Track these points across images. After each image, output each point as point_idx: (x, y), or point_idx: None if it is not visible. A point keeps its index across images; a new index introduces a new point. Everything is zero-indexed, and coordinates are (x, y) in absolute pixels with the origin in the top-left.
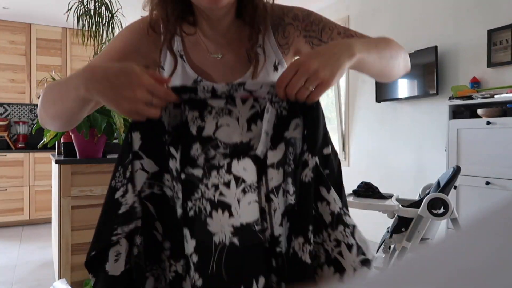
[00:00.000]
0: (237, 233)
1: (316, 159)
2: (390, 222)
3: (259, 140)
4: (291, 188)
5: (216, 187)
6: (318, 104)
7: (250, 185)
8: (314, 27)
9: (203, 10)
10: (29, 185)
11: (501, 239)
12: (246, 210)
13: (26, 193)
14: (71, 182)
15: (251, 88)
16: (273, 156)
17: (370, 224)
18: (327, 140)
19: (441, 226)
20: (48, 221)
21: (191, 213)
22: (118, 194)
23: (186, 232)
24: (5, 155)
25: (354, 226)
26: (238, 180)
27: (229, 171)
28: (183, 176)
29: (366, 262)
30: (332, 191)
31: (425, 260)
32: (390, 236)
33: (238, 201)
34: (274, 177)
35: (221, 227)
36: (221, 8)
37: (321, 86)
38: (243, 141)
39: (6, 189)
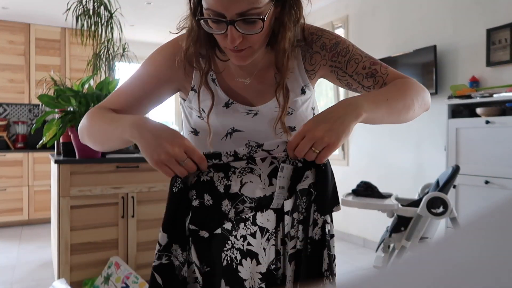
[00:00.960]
0: (264, 279)
1: (325, 217)
2: (389, 221)
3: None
4: (301, 235)
5: (244, 237)
6: (325, 165)
7: (272, 232)
8: (341, 58)
9: None
10: (28, 185)
11: (500, 238)
12: (269, 255)
13: (25, 193)
14: (70, 182)
15: (268, 148)
16: (289, 204)
17: (369, 223)
18: (336, 198)
19: (441, 225)
20: (47, 221)
21: (224, 263)
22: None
23: (222, 282)
24: (4, 155)
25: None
26: (263, 230)
27: (254, 223)
28: (218, 231)
29: None
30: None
31: (424, 259)
32: (390, 235)
33: (264, 250)
34: (288, 223)
35: (250, 274)
36: (250, 62)
37: (327, 149)
38: (266, 194)
39: (5, 189)
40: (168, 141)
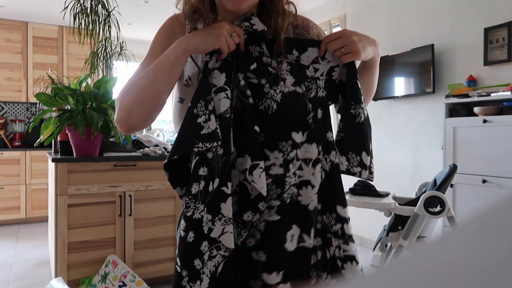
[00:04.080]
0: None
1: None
2: (386, 220)
3: None
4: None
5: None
6: (352, 63)
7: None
8: None
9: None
10: (25, 184)
11: (498, 237)
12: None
13: (23, 192)
14: (68, 180)
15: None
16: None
17: (366, 222)
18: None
19: (438, 224)
20: (44, 220)
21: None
22: (200, 120)
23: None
24: (2, 154)
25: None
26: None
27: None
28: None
29: None
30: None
31: (421, 258)
32: (387, 234)
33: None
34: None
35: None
36: (244, 10)
37: (352, 54)
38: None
39: (2, 188)
40: (215, 28)
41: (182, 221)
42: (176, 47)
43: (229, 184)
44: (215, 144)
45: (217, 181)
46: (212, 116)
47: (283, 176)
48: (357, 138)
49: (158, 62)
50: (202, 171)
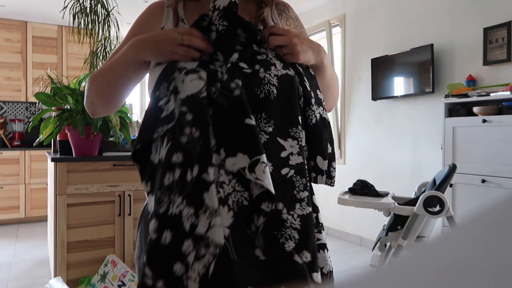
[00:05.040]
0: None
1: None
2: (386, 220)
3: None
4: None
5: None
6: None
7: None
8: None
9: None
10: (25, 183)
11: (497, 237)
12: None
13: (22, 191)
14: (67, 180)
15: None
16: None
17: (366, 222)
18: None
19: (437, 224)
20: (44, 219)
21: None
22: (161, 102)
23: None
24: (1, 153)
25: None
26: None
27: None
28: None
29: None
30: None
31: (421, 258)
32: (386, 234)
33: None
34: None
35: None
36: None
37: (291, 55)
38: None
39: (2, 187)
40: (166, 35)
41: (153, 221)
42: (126, 52)
43: (211, 170)
44: (170, 125)
45: (196, 168)
46: (172, 97)
47: (303, 164)
48: (306, 141)
49: (113, 62)
50: (176, 158)
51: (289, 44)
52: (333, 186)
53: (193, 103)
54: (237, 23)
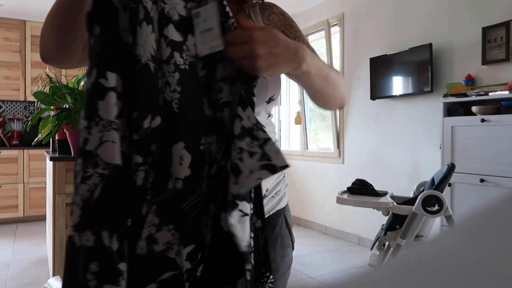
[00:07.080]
0: None
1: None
2: (384, 220)
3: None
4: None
5: None
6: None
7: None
8: (292, 31)
9: None
10: (23, 182)
11: (496, 237)
12: None
13: (21, 190)
14: (66, 179)
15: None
16: None
17: (364, 221)
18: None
19: (436, 223)
20: (42, 218)
21: None
22: None
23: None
24: (0, 152)
25: (266, 140)
26: None
27: None
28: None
29: (268, 167)
30: (249, 109)
31: (419, 258)
32: (385, 234)
33: None
34: None
35: None
36: None
37: (252, 70)
38: None
39: (0, 186)
40: None
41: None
42: None
43: (110, 76)
44: None
45: (94, 71)
46: None
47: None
48: None
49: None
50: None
51: (250, 55)
52: None
53: None
54: None
